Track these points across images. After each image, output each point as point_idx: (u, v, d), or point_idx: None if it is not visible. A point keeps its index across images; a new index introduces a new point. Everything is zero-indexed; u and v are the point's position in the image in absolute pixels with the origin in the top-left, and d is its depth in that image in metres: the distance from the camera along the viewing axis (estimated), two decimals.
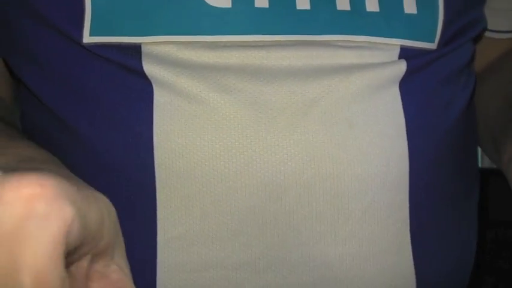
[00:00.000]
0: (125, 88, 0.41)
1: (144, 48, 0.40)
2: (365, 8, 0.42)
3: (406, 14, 0.43)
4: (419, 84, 0.45)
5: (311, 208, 0.41)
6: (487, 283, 1.49)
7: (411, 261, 0.44)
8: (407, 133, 0.43)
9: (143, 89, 0.41)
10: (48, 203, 0.21)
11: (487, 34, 0.53)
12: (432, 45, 0.45)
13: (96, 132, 0.42)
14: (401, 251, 0.43)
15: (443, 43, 0.45)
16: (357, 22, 0.42)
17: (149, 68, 0.40)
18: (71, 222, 0.22)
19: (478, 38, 0.51)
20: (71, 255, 0.23)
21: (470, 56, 0.49)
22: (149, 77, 0.41)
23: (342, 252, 0.42)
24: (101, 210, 0.25)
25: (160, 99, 0.41)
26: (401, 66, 0.43)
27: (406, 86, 0.44)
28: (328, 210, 0.42)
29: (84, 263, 0.25)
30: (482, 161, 1.36)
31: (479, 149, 0.54)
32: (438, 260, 0.45)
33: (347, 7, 0.42)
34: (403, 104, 0.43)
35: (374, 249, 0.43)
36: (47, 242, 0.20)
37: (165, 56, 0.40)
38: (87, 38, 0.40)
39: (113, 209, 0.27)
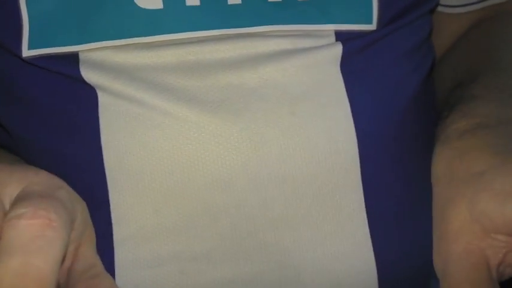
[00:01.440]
0: (69, 95, 0.43)
1: (81, 56, 0.42)
2: None
3: None
4: (362, 65, 0.45)
5: (260, 196, 0.42)
6: None
7: (369, 243, 0.44)
8: (352, 114, 0.44)
9: (87, 95, 0.42)
10: (56, 231, 0.27)
11: (439, 9, 0.53)
12: (371, 27, 0.45)
13: (47, 143, 0.43)
14: (358, 233, 0.43)
15: (384, 23, 0.45)
16: (288, 12, 0.43)
17: (87, 75, 0.42)
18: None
19: (433, 13, 0.51)
20: None
21: (427, 32, 0.49)
22: (89, 82, 0.42)
23: (296, 237, 0.43)
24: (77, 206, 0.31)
25: (104, 102, 0.42)
26: (337, 49, 0.43)
27: (347, 67, 0.44)
28: (278, 196, 0.42)
29: None
30: None
31: None
32: (397, 241, 0.45)
33: None
34: (345, 86, 0.44)
35: (329, 232, 0.43)
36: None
37: (102, 61, 0.42)
38: (26, 52, 0.42)
39: (84, 204, 0.32)
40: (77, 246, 0.32)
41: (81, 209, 0.31)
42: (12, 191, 0.29)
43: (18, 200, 0.28)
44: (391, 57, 0.46)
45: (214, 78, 0.42)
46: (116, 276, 0.42)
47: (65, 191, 0.30)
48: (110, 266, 0.42)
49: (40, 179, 0.30)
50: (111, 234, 0.42)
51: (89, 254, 0.32)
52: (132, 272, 0.42)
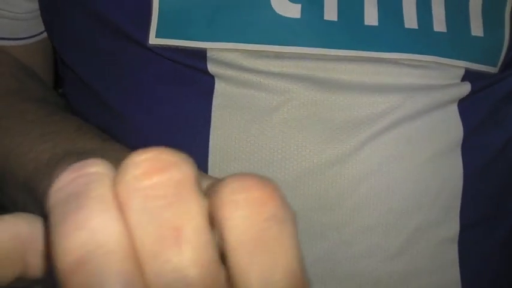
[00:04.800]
0: (185, 83, 0.41)
1: (209, 54, 0.40)
2: (432, 28, 0.42)
3: (473, 36, 0.43)
4: (477, 103, 0.44)
5: (363, 222, 0.41)
6: None
7: (459, 282, 0.44)
8: (462, 150, 0.44)
9: (205, 83, 0.41)
10: (280, 205, 0.19)
11: None
12: (494, 69, 0.44)
13: (148, 124, 0.42)
14: (448, 270, 0.44)
15: (504, 66, 0.45)
16: (423, 41, 0.42)
17: (213, 69, 0.40)
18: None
19: None
20: None
21: None
22: (212, 73, 0.40)
23: (390, 269, 0.42)
24: None
25: (220, 96, 0.41)
26: (466, 88, 0.43)
27: (464, 104, 0.44)
28: (380, 225, 0.42)
29: None
30: None
31: None
32: (486, 281, 0.45)
33: (415, 25, 0.42)
34: (462, 122, 0.43)
35: (421, 267, 0.43)
36: (294, 244, 0.18)
37: (230, 63, 0.40)
38: (153, 40, 0.40)
39: None
40: None
41: None
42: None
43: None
44: (501, 98, 0.46)
45: (343, 96, 0.41)
46: None
47: None
48: None
49: None
50: None
51: None
52: None
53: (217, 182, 0.19)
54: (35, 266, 0.19)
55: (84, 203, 0.17)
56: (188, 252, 0.17)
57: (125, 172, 0.18)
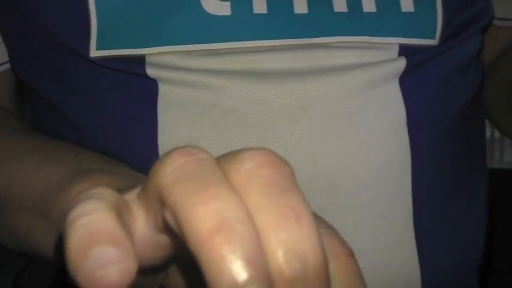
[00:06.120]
0: (129, 88, 0.43)
1: (148, 59, 0.42)
2: (362, 9, 0.43)
3: (404, 12, 0.44)
4: (420, 78, 0.45)
5: (312, 204, 0.42)
6: None
7: (415, 256, 0.44)
8: (408, 127, 0.44)
9: (148, 86, 0.42)
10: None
11: (494, 22, 0.53)
12: (434, 41, 0.45)
13: (102, 131, 0.44)
14: (405, 246, 0.44)
15: (445, 38, 0.46)
16: (354, 23, 0.43)
17: (153, 73, 0.42)
18: None
19: (486, 29, 0.51)
20: None
21: (479, 48, 0.49)
22: (153, 77, 0.42)
23: None
24: None
25: (164, 97, 0.42)
26: (401, 63, 0.44)
27: (406, 80, 0.44)
28: (330, 206, 0.43)
29: None
30: None
31: None
32: (443, 255, 0.46)
33: (344, 9, 0.43)
34: (403, 98, 0.44)
35: (377, 244, 0.44)
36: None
37: (168, 65, 0.42)
38: (93, 52, 0.42)
39: None
40: None
41: None
42: None
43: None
44: (447, 72, 0.47)
45: (278, 84, 0.42)
46: None
47: None
48: None
49: None
50: None
51: None
52: None
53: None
54: None
55: (210, 182, 0.20)
56: (308, 230, 0.20)
57: (242, 162, 0.21)
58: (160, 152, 0.43)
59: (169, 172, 0.20)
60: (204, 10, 0.42)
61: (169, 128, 0.42)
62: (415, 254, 0.44)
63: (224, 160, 0.21)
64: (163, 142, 0.43)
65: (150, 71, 0.42)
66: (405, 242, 0.44)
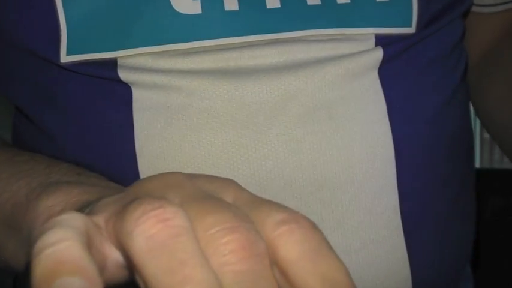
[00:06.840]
0: (103, 94, 0.42)
1: (119, 62, 0.41)
2: (335, 0, 0.42)
3: (378, 1, 0.43)
4: (400, 68, 0.44)
5: (295, 201, 0.41)
6: None
7: (404, 251, 0.43)
8: (389, 118, 0.43)
9: (122, 90, 0.42)
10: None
11: (474, 9, 0.52)
12: (410, 30, 0.44)
13: (79, 140, 0.43)
14: (393, 240, 0.43)
15: (423, 26, 0.45)
16: (328, 15, 0.42)
17: (125, 76, 0.41)
18: None
19: (466, 15, 0.51)
20: None
21: (460, 34, 0.49)
22: (125, 81, 0.42)
23: (331, 244, 0.42)
24: None
25: (139, 101, 0.42)
26: (378, 54, 0.43)
27: (385, 71, 0.44)
28: (313, 202, 0.42)
29: None
30: None
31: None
32: (433, 249, 0.45)
33: (317, 1, 0.42)
34: (383, 89, 0.43)
35: (363, 239, 0.43)
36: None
37: (140, 67, 0.41)
38: (64, 58, 0.41)
39: None
40: None
41: None
42: None
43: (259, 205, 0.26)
44: (428, 60, 0.46)
45: (253, 82, 0.41)
46: None
47: None
48: None
49: None
50: None
51: None
52: None
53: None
54: None
55: (186, 262, 0.20)
56: None
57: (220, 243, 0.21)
58: (138, 157, 0.42)
59: (142, 240, 0.21)
60: (174, 9, 0.41)
61: (146, 133, 0.42)
62: (404, 247, 0.43)
63: (201, 229, 0.21)
64: (141, 147, 0.42)
65: (123, 75, 0.41)
66: (393, 235, 0.43)
